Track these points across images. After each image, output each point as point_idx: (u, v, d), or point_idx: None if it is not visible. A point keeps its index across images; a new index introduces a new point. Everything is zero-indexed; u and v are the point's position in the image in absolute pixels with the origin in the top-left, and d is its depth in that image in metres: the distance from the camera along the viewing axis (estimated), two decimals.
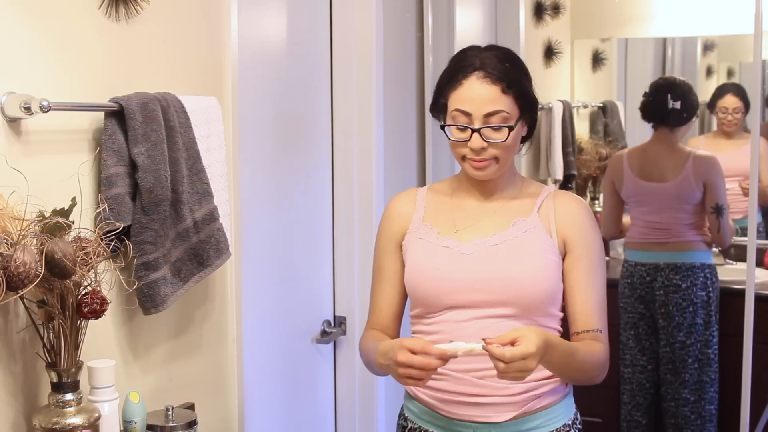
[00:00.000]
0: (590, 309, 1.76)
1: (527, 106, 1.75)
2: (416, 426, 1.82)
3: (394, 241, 1.87)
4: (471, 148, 1.72)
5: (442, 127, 1.79)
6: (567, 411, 1.80)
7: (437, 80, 1.81)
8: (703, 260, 3.34)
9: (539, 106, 1.83)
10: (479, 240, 1.76)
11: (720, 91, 3.95)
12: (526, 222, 1.77)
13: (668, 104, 3.38)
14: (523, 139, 1.81)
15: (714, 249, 3.48)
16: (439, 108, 1.79)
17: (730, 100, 3.87)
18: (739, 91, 3.88)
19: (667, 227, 3.36)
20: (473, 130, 1.71)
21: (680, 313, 3.30)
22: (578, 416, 1.85)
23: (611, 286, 3.41)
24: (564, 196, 1.84)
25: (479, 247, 1.75)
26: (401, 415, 1.89)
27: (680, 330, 3.31)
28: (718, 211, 3.28)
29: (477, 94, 1.71)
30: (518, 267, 1.73)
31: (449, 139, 1.76)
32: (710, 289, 3.31)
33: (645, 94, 3.52)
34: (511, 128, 1.71)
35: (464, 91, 1.72)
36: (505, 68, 1.73)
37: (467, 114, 1.71)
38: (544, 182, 3.82)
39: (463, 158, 1.75)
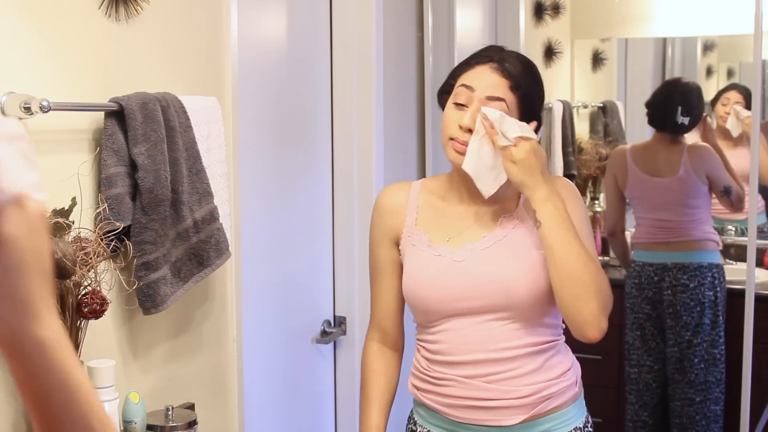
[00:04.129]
0: None
1: (529, 114, 1.73)
2: (425, 430, 1.82)
3: (388, 236, 1.85)
4: (460, 124, 1.70)
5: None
6: (579, 414, 1.79)
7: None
8: (711, 260, 3.35)
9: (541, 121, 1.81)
10: (470, 245, 1.75)
11: (725, 88, 3.97)
12: (513, 217, 1.76)
13: (677, 119, 3.39)
14: None
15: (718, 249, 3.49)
16: (446, 89, 1.79)
17: (733, 94, 3.88)
18: (744, 90, 3.89)
19: (673, 225, 3.37)
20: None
21: (688, 313, 3.31)
22: (590, 419, 1.83)
23: (616, 286, 3.43)
24: None
25: (471, 253, 1.74)
26: (410, 418, 1.88)
27: (687, 330, 3.32)
28: (728, 192, 3.36)
29: (486, 78, 1.71)
30: (506, 269, 1.70)
31: (443, 119, 1.75)
32: (717, 289, 3.33)
33: (654, 99, 3.51)
34: None
35: (474, 72, 1.73)
36: (522, 70, 1.73)
37: (470, 89, 1.71)
38: None
39: (449, 139, 1.72)
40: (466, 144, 1.69)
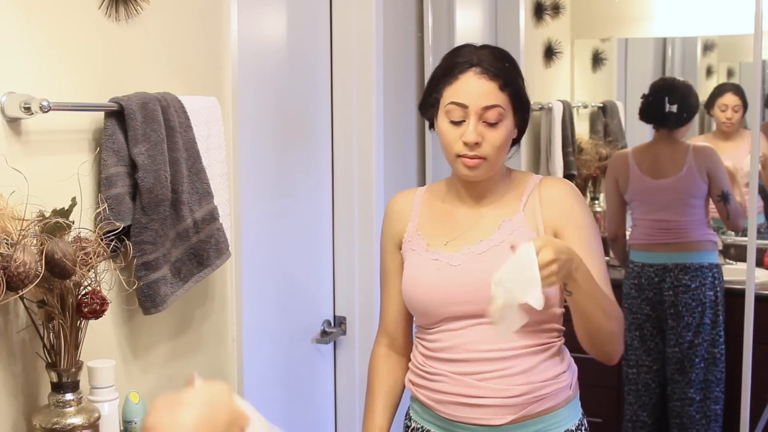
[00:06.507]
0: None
1: (521, 106, 1.74)
2: (419, 426, 1.82)
3: (393, 241, 1.88)
4: (465, 141, 1.69)
5: (431, 127, 1.79)
6: (572, 415, 1.78)
7: (429, 77, 1.80)
8: (711, 260, 3.36)
9: (532, 108, 1.81)
10: (467, 249, 1.75)
11: (719, 90, 3.96)
12: (513, 222, 1.75)
13: (665, 107, 3.41)
14: (513, 142, 1.79)
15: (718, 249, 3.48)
16: (430, 103, 1.77)
17: (730, 98, 3.88)
18: (738, 90, 3.89)
19: (673, 226, 3.37)
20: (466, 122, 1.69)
21: (689, 314, 3.31)
22: (584, 421, 1.82)
23: (616, 286, 3.42)
24: (548, 184, 1.79)
25: (467, 257, 1.74)
26: (407, 414, 1.90)
27: (689, 330, 3.32)
28: (725, 198, 3.34)
29: (475, 88, 1.69)
30: None
31: (441, 137, 1.74)
32: (717, 288, 3.33)
33: (644, 96, 3.54)
34: (504, 125, 1.70)
35: (461, 84, 1.70)
36: (502, 66, 1.72)
37: (463, 106, 1.69)
38: None
39: (456, 157, 1.72)
40: (476, 158, 1.70)
